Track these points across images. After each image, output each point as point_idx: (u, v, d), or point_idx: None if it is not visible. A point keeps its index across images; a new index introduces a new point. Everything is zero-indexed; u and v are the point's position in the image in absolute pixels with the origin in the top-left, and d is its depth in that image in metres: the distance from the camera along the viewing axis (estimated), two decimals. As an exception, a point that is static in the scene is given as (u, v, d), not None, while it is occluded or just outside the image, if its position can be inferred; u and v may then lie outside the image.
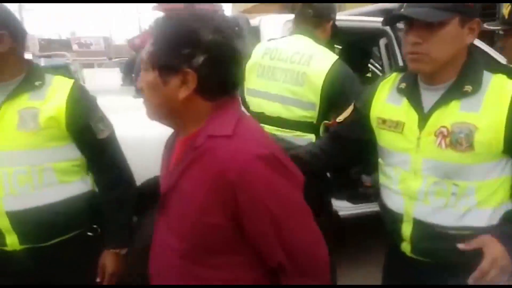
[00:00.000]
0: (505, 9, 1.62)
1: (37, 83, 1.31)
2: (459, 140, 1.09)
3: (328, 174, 2.06)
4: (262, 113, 1.89)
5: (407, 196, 1.20)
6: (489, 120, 1.07)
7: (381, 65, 3.55)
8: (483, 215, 1.13)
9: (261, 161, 0.82)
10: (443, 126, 1.12)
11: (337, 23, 2.03)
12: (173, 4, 2.67)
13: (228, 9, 14.67)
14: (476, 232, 1.11)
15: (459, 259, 1.09)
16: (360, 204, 2.67)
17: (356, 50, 3.37)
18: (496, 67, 1.16)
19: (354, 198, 2.72)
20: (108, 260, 1.40)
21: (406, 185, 1.20)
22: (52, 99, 1.30)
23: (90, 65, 17.76)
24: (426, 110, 1.16)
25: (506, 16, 1.60)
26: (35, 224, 1.29)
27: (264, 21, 2.52)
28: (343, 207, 2.61)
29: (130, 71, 5.13)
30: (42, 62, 6.59)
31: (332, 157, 1.50)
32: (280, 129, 1.85)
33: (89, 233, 1.41)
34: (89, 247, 1.40)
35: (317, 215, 0.93)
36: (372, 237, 2.43)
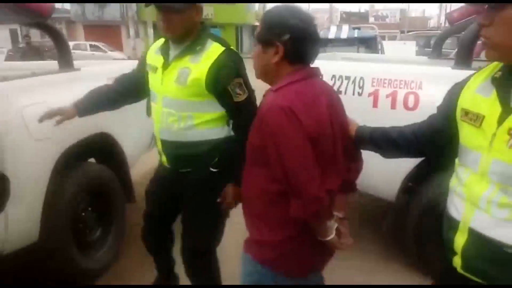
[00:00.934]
0: None
1: (197, 48, 1.63)
2: None
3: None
4: None
5: (469, 202, 1.08)
6: None
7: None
8: None
9: (278, 109, 1.16)
10: None
11: None
12: None
13: None
14: None
15: None
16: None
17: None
18: None
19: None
20: (229, 191, 1.74)
21: (470, 189, 1.07)
22: (203, 63, 1.60)
23: (381, 38, 18.08)
24: None
25: None
26: (176, 152, 1.74)
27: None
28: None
29: (426, 46, 4.74)
30: (355, 34, 7.24)
31: (419, 144, 1.30)
32: None
33: (212, 169, 1.74)
34: (211, 179, 1.74)
35: None
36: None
